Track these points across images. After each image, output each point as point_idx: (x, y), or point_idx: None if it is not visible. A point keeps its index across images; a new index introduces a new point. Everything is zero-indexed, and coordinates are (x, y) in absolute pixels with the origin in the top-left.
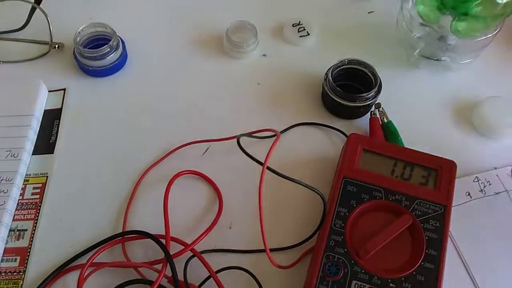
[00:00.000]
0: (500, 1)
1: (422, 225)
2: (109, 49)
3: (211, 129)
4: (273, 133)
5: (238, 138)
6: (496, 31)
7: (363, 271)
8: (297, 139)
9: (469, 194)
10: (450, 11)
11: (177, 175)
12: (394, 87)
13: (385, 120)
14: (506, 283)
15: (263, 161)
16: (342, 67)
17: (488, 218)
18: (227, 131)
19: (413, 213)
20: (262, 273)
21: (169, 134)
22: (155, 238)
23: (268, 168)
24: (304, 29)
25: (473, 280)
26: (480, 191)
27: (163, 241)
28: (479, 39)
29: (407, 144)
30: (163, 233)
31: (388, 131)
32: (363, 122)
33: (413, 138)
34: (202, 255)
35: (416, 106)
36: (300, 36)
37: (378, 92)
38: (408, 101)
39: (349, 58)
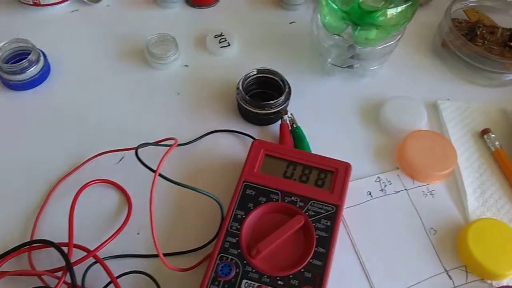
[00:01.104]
0: (394, 11)
1: (314, 224)
2: (27, 63)
3: (129, 139)
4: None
5: (136, 149)
6: (398, 37)
7: (254, 270)
8: (212, 146)
9: (370, 193)
10: (354, 22)
11: (87, 185)
12: (308, 95)
13: (294, 126)
14: (397, 276)
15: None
16: (253, 76)
17: (386, 216)
18: (144, 140)
19: (307, 213)
20: (164, 277)
21: (87, 144)
22: (56, 246)
23: (160, 175)
24: (226, 40)
25: (366, 273)
26: (380, 190)
27: (67, 248)
28: (382, 46)
29: (317, 148)
30: None
31: (295, 136)
32: (276, 128)
33: (323, 142)
34: (107, 261)
35: (328, 112)
36: (221, 47)
37: (287, 98)
38: (321, 108)
39: (259, 68)
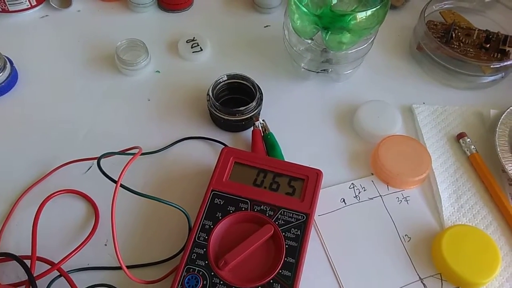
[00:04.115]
0: (365, 15)
1: (283, 234)
2: None
3: (98, 147)
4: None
5: (98, 159)
6: (371, 40)
7: (221, 282)
8: (183, 154)
9: (344, 200)
10: (325, 26)
11: (52, 195)
12: (282, 100)
13: (266, 132)
14: (371, 284)
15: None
16: (224, 82)
17: (360, 223)
18: (113, 148)
19: (276, 222)
20: None
21: (55, 153)
22: (18, 258)
23: (122, 186)
24: (198, 45)
25: (338, 282)
26: (354, 197)
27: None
28: (355, 49)
29: (290, 155)
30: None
31: (268, 143)
32: (249, 135)
33: (296, 149)
34: (72, 273)
35: (301, 118)
36: (193, 52)
37: (259, 104)
38: (295, 113)
39: (229, 73)
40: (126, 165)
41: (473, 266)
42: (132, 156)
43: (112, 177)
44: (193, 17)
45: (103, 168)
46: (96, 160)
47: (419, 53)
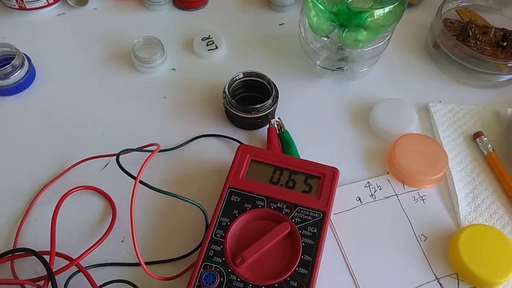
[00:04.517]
0: (382, 12)
1: (300, 231)
2: (11, 68)
3: (115, 144)
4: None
5: (117, 155)
6: (388, 38)
7: (238, 279)
8: (199, 151)
9: (359, 199)
10: (342, 23)
11: (70, 191)
12: (297, 98)
13: (282, 130)
14: (387, 284)
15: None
16: (240, 80)
17: (376, 222)
18: (130, 145)
19: (293, 220)
20: (148, 286)
21: (73, 149)
22: (38, 254)
23: (141, 182)
24: (213, 43)
25: (354, 280)
26: (370, 195)
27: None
28: (371, 47)
29: (305, 152)
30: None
31: (283, 140)
32: (265, 133)
33: (312, 147)
34: (91, 269)
35: (317, 116)
36: (209, 50)
37: (274, 102)
38: (310, 111)
39: (245, 71)
40: (145, 161)
41: (490, 266)
42: (150, 153)
43: (128, 172)
44: (208, 15)
45: (124, 164)
46: (112, 157)
47: (436, 51)
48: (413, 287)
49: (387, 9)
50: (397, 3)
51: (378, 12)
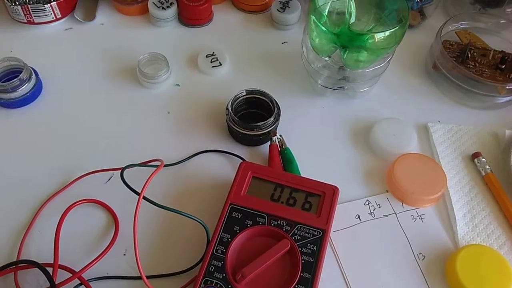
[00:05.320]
0: (383, 35)
1: (300, 249)
2: (19, 82)
3: (119, 158)
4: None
5: (122, 170)
6: (388, 59)
7: None
8: (201, 166)
9: (358, 217)
10: (343, 44)
11: (74, 204)
12: (299, 116)
13: (283, 147)
14: None
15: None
16: (243, 97)
17: (375, 240)
18: (134, 159)
19: (293, 237)
20: None
21: (77, 162)
22: (41, 266)
23: (145, 198)
24: (217, 60)
25: None
26: (369, 213)
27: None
28: (372, 68)
29: (306, 170)
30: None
31: (284, 158)
32: (266, 149)
33: (312, 164)
34: (93, 282)
35: (318, 134)
36: (213, 66)
37: (276, 120)
38: (311, 129)
39: (248, 89)
40: (149, 178)
41: (487, 286)
42: (153, 168)
43: (132, 188)
44: (213, 33)
45: (128, 179)
46: (116, 171)
47: (435, 72)
48: None
49: (387, 33)
50: (397, 27)
51: (379, 35)
